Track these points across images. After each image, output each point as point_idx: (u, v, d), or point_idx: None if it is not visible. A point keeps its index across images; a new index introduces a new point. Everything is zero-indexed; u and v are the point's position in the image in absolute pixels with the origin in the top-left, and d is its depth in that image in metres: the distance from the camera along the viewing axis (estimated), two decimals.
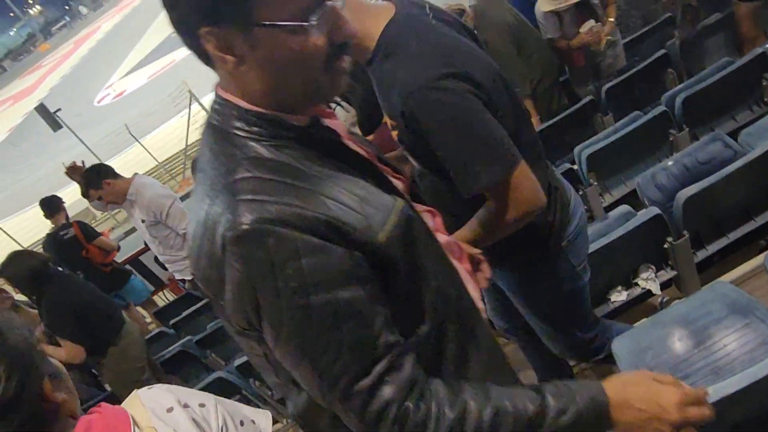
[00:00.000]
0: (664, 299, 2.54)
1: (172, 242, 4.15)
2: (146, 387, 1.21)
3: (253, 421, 1.22)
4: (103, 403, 1.14)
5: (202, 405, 1.18)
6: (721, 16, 3.59)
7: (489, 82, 1.33)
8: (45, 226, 5.98)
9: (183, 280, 4.59)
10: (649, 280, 2.36)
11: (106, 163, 4.97)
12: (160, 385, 1.24)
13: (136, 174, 4.18)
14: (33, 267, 3.39)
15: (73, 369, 3.76)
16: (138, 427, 1.08)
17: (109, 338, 3.59)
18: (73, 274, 4.10)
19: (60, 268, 4.02)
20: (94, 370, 4.47)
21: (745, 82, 3.01)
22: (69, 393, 1.10)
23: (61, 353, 3.36)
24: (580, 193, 3.01)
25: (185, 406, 1.15)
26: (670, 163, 2.51)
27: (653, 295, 2.42)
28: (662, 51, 3.63)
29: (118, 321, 3.69)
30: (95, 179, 3.95)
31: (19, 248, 18.16)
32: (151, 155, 19.15)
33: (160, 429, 1.10)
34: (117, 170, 4.10)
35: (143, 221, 4.03)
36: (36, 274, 3.40)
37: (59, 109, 17.72)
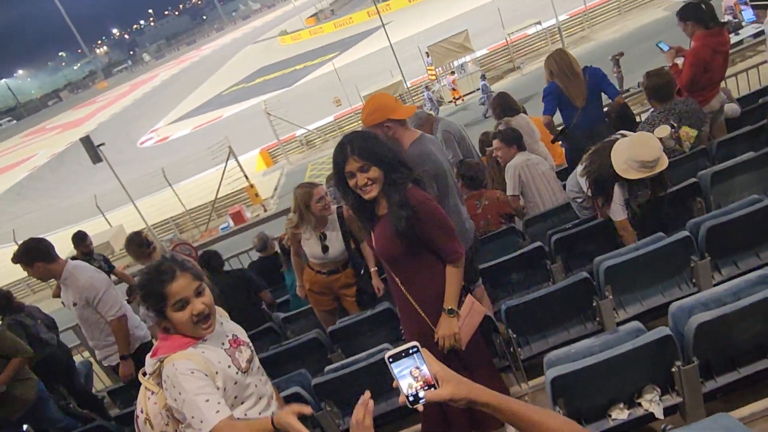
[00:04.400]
0: (667, 427, 2.43)
1: (102, 326, 4.12)
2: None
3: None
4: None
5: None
6: (755, 155, 3.63)
7: None
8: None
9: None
10: (652, 403, 2.29)
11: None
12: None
13: (68, 259, 4.18)
14: None
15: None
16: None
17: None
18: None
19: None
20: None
21: None
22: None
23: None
24: (594, 304, 2.99)
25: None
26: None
27: (655, 420, 2.33)
28: (693, 179, 3.66)
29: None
30: (26, 259, 3.94)
31: None
32: (180, 201, 19.52)
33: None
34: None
35: (75, 304, 4.02)
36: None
37: (103, 144, 18.26)
